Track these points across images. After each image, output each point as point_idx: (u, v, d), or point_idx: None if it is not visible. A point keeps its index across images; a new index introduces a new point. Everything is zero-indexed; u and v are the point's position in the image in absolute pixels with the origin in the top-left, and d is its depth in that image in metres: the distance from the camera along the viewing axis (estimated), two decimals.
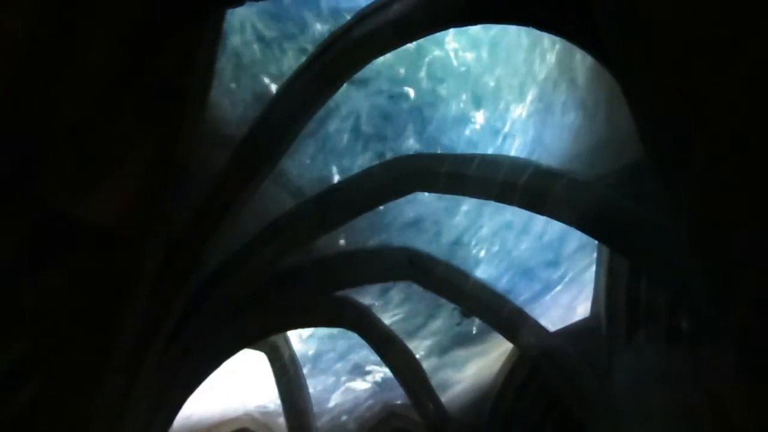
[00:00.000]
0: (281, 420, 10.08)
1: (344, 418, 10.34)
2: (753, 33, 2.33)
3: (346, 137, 6.05)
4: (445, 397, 8.66)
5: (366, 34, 4.81)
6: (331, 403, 10.27)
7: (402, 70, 5.80)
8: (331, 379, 10.05)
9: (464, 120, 6.06)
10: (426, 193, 6.57)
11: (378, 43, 4.92)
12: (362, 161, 6.19)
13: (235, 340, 6.79)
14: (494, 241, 7.22)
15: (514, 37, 5.47)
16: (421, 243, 7.23)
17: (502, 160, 5.91)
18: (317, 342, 9.54)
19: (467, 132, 6.10)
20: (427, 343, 8.76)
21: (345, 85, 5.32)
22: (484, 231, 7.15)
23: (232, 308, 6.00)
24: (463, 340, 8.63)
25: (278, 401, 9.90)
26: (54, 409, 3.20)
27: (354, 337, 8.86)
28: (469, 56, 5.72)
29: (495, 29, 5.43)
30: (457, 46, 5.66)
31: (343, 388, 10.22)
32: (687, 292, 4.44)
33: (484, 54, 5.69)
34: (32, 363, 3.14)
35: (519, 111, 5.85)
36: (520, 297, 7.26)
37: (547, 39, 5.32)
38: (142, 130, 3.88)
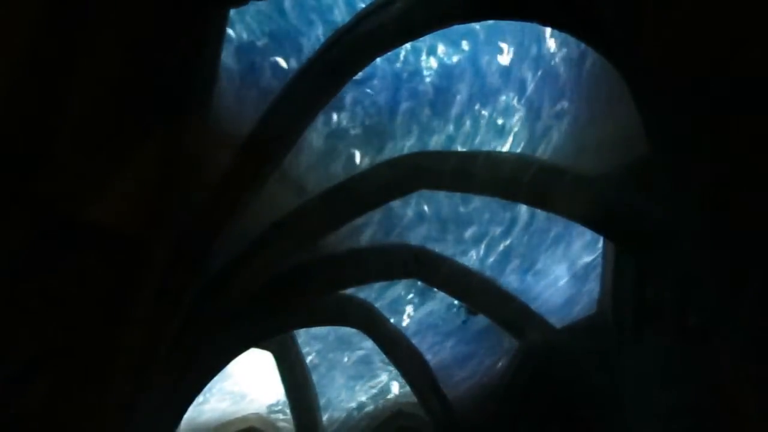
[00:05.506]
0: (288, 418, 10.11)
1: (351, 416, 10.35)
2: (753, 33, 2.32)
3: (350, 134, 6.05)
4: (451, 396, 8.65)
5: (368, 32, 4.80)
6: (338, 402, 10.28)
7: (406, 68, 5.79)
8: (337, 378, 10.06)
9: (469, 116, 6.05)
10: (432, 191, 6.56)
11: (380, 41, 4.91)
12: (367, 159, 6.19)
13: (241, 339, 6.81)
14: (500, 237, 7.21)
15: (518, 32, 5.46)
16: (427, 240, 7.22)
17: (507, 156, 5.90)
18: (324, 340, 9.55)
19: (472, 128, 6.09)
20: (434, 340, 8.76)
21: (349, 82, 5.32)
22: (490, 228, 7.13)
23: (238, 308, 6.01)
24: (469, 337, 8.62)
25: (285, 400, 9.93)
26: (62, 410, 3.21)
27: (360, 336, 8.87)
28: (473, 51, 5.71)
29: (499, 24, 5.41)
30: (460, 42, 5.64)
31: (349, 387, 10.23)
32: (694, 288, 4.42)
33: (488, 50, 5.68)
34: (39, 365, 3.15)
35: (523, 107, 5.84)
36: (526, 294, 7.24)
37: (550, 34, 5.30)
38: (147, 130, 3.88)
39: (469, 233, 7.22)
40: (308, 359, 9.63)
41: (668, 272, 4.94)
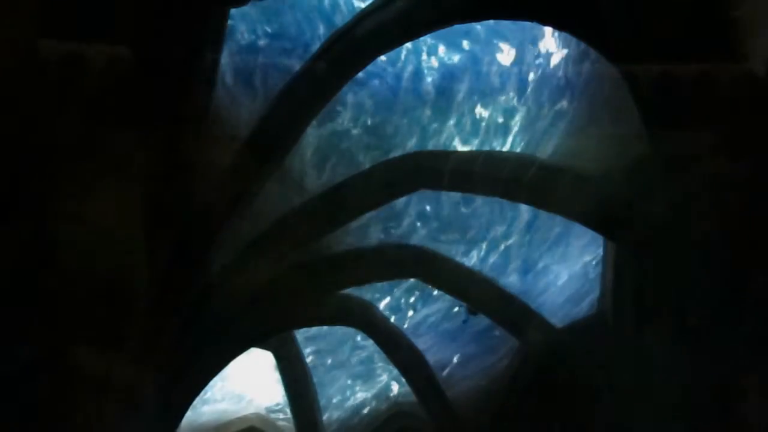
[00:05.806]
0: (288, 418, 10.09)
1: (351, 415, 10.34)
2: (752, 34, 2.33)
3: (351, 134, 6.04)
4: (452, 395, 8.65)
5: (369, 32, 4.79)
6: (338, 402, 10.27)
7: (406, 68, 5.79)
8: (337, 377, 10.05)
9: (469, 116, 6.05)
10: (432, 191, 6.56)
11: (381, 41, 4.90)
12: (367, 159, 6.18)
13: (241, 339, 6.80)
14: (501, 237, 7.20)
15: (518, 32, 5.45)
16: (428, 240, 7.21)
17: (507, 156, 5.90)
18: (323, 340, 9.54)
19: (472, 128, 6.09)
20: (434, 340, 8.75)
21: (349, 82, 5.31)
22: (491, 228, 7.13)
23: (238, 307, 6.01)
24: (469, 337, 8.62)
25: (285, 400, 9.92)
26: (61, 410, 3.22)
27: (360, 335, 8.86)
28: (473, 51, 5.71)
29: (499, 24, 5.41)
30: (460, 42, 5.64)
31: (349, 387, 10.22)
32: (694, 288, 4.42)
33: (488, 50, 5.67)
34: (39, 365, 3.15)
35: (523, 107, 5.83)
36: (527, 294, 7.24)
37: (551, 34, 5.30)
38: (146, 130, 3.88)
39: (469, 233, 7.21)
40: (308, 359, 9.61)
41: (668, 272, 4.94)
